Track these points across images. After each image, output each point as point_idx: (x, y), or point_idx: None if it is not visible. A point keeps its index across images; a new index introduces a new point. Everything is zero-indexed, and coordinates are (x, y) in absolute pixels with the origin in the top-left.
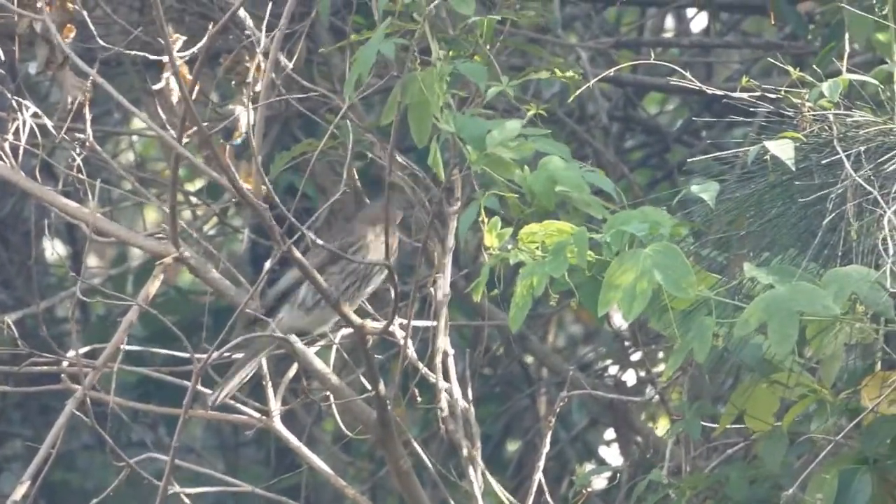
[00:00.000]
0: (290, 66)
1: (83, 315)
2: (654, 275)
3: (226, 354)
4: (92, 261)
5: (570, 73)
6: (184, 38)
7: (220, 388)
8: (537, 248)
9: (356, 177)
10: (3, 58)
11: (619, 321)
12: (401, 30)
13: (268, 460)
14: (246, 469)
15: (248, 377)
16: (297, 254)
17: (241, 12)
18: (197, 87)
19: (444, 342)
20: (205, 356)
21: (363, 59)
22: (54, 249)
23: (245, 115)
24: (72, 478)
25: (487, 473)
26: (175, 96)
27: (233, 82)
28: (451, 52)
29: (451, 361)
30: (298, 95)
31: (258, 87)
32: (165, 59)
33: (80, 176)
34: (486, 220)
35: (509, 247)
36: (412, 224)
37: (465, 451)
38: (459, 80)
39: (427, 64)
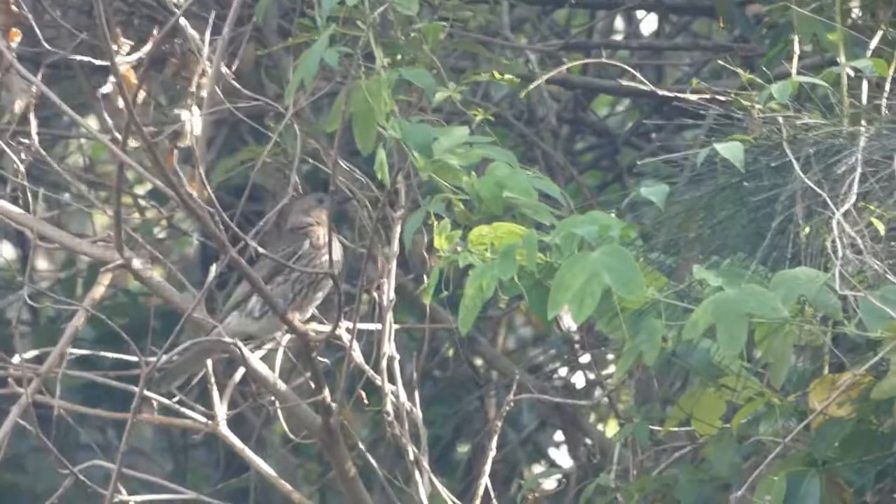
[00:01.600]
0: (232, 72)
1: (33, 318)
2: (603, 277)
3: (174, 358)
4: (42, 264)
5: (508, 77)
6: (131, 42)
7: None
8: (486, 249)
9: (300, 181)
10: None
11: (569, 323)
12: (345, 36)
13: (218, 462)
14: (196, 471)
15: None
16: (244, 263)
17: (182, 19)
18: (142, 92)
19: (389, 346)
20: (153, 359)
21: (305, 67)
22: (1, 253)
23: (190, 121)
24: (21, 480)
25: (433, 477)
26: (120, 100)
27: (178, 86)
28: (397, 57)
29: (396, 365)
30: (243, 105)
31: (203, 93)
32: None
33: (23, 183)
34: (435, 222)
35: (459, 249)
36: (357, 228)
37: (410, 455)
38: (404, 85)
39: (372, 71)
